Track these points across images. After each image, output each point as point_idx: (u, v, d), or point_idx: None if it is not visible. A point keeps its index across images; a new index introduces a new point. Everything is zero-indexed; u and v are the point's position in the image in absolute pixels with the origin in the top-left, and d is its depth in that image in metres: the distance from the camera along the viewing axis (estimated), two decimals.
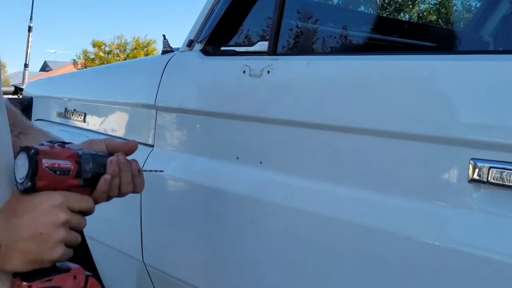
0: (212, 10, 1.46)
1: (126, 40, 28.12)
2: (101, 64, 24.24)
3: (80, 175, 0.81)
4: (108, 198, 0.87)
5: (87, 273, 0.81)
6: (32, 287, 0.74)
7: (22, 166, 0.77)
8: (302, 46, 1.56)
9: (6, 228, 0.72)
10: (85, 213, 0.82)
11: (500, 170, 0.84)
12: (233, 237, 1.25)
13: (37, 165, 0.76)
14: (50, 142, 0.89)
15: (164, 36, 1.69)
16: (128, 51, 27.62)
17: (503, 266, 0.82)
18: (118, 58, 26.84)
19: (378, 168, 1.01)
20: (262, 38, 1.39)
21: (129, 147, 0.92)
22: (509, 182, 0.83)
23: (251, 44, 1.42)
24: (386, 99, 1.01)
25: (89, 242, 1.73)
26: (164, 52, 1.64)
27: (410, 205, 0.95)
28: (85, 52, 27.48)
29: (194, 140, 1.44)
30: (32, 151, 0.77)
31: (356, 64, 1.12)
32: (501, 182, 0.83)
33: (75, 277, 0.79)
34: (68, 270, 0.79)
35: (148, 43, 27.93)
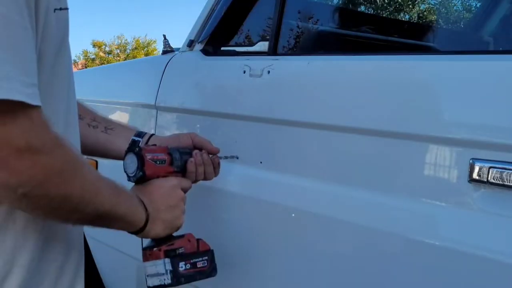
0: (212, 10, 1.46)
1: (126, 40, 28.16)
2: (101, 64, 24.25)
3: (173, 163, 1.02)
4: (196, 180, 1.10)
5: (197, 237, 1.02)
6: (161, 250, 0.93)
7: (131, 163, 0.98)
8: (302, 46, 1.56)
9: (148, 202, 0.88)
10: (185, 191, 1.03)
11: (500, 170, 0.84)
12: (233, 236, 1.25)
13: (143, 159, 0.97)
14: (138, 134, 1.15)
15: (164, 36, 1.70)
16: (128, 51, 27.63)
17: (503, 266, 0.83)
18: (118, 58, 26.86)
19: (378, 168, 1.01)
20: (263, 38, 1.39)
21: (211, 149, 1.15)
22: (509, 182, 0.83)
23: (252, 44, 1.42)
24: (386, 99, 1.01)
25: (89, 242, 1.73)
26: (164, 52, 1.64)
27: (410, 205, 0.95)
28: (85, 52, 27.49)
29: None
30: (137, 149, 0.99)
31: (356, 64, 1.12)
32: (501, 182, 0.84)
33: (189, 240, 1.00)
34: (183, 236, 0.99)
35: (148, 43, 27.95)
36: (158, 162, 0.99)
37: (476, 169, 0.86)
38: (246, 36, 1.51)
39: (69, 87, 0.82)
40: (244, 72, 1.26)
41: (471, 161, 0.87)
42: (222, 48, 1.46)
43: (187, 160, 1.06)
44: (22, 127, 0.64)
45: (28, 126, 0.64)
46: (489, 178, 0.84)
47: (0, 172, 0.63)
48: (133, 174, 0.98)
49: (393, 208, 0.97)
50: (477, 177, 0.86)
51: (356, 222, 1.02)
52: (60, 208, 0.72)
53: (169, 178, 0.99)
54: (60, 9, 0.75)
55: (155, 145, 1.06)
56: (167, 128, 1.52)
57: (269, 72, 1.21)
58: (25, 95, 0.63)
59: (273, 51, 1.29)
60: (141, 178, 0.98)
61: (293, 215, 1.13)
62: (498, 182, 0.84)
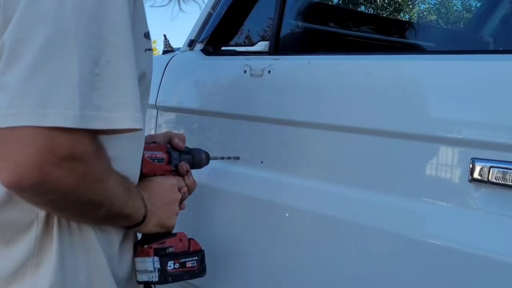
0: (213, 10, 1.46)
1: None
2: None
3: (171, 162, 1.02)
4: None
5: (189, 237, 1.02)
6: (152, 247, 0.93)
7: None
8: (302, 46, 1.56)
9: (147, 198, 0.89)
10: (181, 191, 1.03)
11: (500, 169, 0.84)
12: (233, 236, 1.25)
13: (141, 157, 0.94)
14: None
15: (165, 36, 1.70)
16: None
17: (504, 266, 0.83)
18: None
19: (378, 167, 1.01)
20: (263, 38, 1.39)
21: (182, 136, 1.11)
22: (510, 182, 0.83)
23: (252, 44, 1.42)
24: (386, 99, 1.01)
25: None
26: (165, 52, 1.64)
27: (411, 205, 0.95)
28: None
29: (195, 140, 1.44)
30: None
31: (356, 64, 1.12)
32: (501, 182, 0.84)
33: (180, 240, 0.99)
34: (175, 234, 0.99)
35: None
36: (156, 161, 0.99)
37: (477, 168, 0.86)
38: (247, 36, 1.51)
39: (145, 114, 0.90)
40: (245, 72, 1.26)
41: (471, 160, 0.87)
42: (223, 48, 1.46)
43: (180, 160, 1.06)
44: (71, 136, 0.65)
45: (77, 136, 0.66)
46: (489, 178, 0.84)
47: (33, 177, 0.64)
48: None
49: (393, 207, 0.97)
50: (478, 177, 0.86)
51: (356, 221, 1.02)
52: (78, 210, 0.75)
53: (168, 177, 1.00)
54: (150, 49, 0.84)
55: (154, 142, 1.06)
56: (167, 128, 1.52)
57: (269, 72, 1.21)
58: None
59: (273, 51, 1.29)
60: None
61: (293, 215, 1.13)
62: (498, 181, 0.84)
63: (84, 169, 0.68)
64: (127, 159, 0.84)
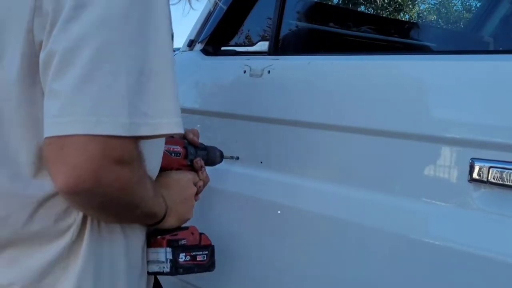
0: (212, 10, 1.46)
1: None
2: None
3: (187, 157, 1.03)
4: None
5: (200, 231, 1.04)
6: (165, 239, 0.95)
7: None
8: (302, 46, 1.56)
9: (167, 195, 0.91)
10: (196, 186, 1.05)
11: (500, 169, 0.84)
12: (232, 236, 1.25)
13: None
14: None
15: None
16: None
17: (504, 265, 0.83)
18: None
19: (378, 168, 1.01)
20: (263, 38, 1.40)
21: (196, 131, 1.11)
22: (509, 182, 0.83)
23: (252, 44, 1.42)
24: (386, 99, 1.01)
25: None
26: None
27: (410, 205, 0.96)
28: None
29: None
30: None
31: (356, 64, 1.12)
32: (501, 182, 0.84)
33: (192, 233, 1.01)
34: (187, 228, 1.00)
35: None
36: (173, 154, 1.00)
37: (476, 168, 0.86)
38: (246, 36, 1.51)
39: None
40: (245, 72, 1.26)
41: (471, 160, 0.87)
42: (222, 48, 1.46)
43: (196, 156, 1.07)
44: (121, 143, 0.69)
45: (126, 142, 0.69)
46: (489, 178, 0.85)
47: (89, 181, 0.67)
48: None
49: (393, 207, 0.98)
50: (477, 177, 0.86)
51: (356, 221, 1.02)
52: (119, 212, 0.78)
53: (184, 172, 1.01)
54: (174, 51, 0.86)
55: (172, 136, 1.05)
56: None
57: (269, 72, 1.21)
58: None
59: (273, 51, 1.29)
60: None
61: (293, 214, 1.13)
62: (498, 181, 0.84)
63: (130, 173, 0.71)
64: (152, 159, 0.86)
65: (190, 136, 1.07)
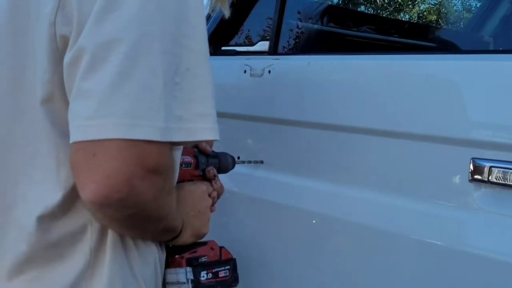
0: (213, 10, 1.46)
1: None
2: None
3: (198, 167, 0.97)
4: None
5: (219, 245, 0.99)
6: (184, 257, 0.89)
7: None
8: (302, 46, 1.56)
9: (181, 209, 0.83)
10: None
11: (501, 169, 0.84)
12: (233, 236, 1.25)
13: None
14: None
15: None
16: None
17: (504, 265, 0.83)
18: None
19: (378, 167, 1.01)
20: (263, 38, 1.40)
21: (203, 147, 1.04)
22: (510, 182, 0.83)
23: (252, 44, 1.42)
24: (386, 99, 1.01)
25: None
26: None
27: (411, 205, 0.95)
28: None
29: None
30: None
31: (356, 64, 1.12)
32: (502, 182, 0.84)
33: (212, 248, 0.95)
34: (206, 243, 0.94)
35: None
36: (184, 165, 0.94)
37: (477, 168, 0.86)
38: (247, 36, 1.51)
39: None
40: (245, 71, 1.26)
41: (472, 160, 0.87)
42: (223, 48, 1.46)
43: (208, 165, 1.01)
44: (157, 149, 0.62)
45: (161, 148, 0.63)
46: (490, 178, 0.85)
47: (123, 191, 0.61)
48: None
49: (393, 207, 0.98)
50: (478, 177, 0.86)
51: (356, 221, 1.02)
52: (145, 225, 0.72)
53: (198, 183, 0.94)
54: None
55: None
56: None
57: (269, 71, 1.21)
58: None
59: (273, 50, 1.29)
60: None
61: (294, 214, 1.13)
62: (499, 181, 0.84)
63: (163, 182, 0.66)
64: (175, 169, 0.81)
65: (203, 145, 0.99)
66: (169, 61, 0.63)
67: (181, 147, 0.82)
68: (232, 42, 1.49)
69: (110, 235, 0.71)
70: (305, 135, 1.14)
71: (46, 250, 0.70)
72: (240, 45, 1.48)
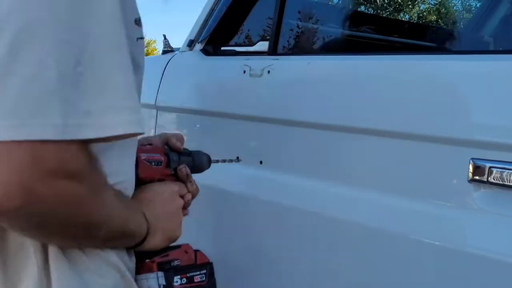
0: (212, 10, 1.46)
1: None
2: None
3: (170, 165, 0.92)
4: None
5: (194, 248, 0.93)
6: (154, 262, 0.83)
7: None
8: (302, 46, 1.56)
9: (149, 212, 0.79)
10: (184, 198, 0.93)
11: (500, 170, 0.84)
12: (232, 236, 1.25)
13: (137, 159, 0.84)
14: None
15: (164, 36, 1.70)
16: None
17: (504, 265, 0.83)
18: None
19: (378, 167, 1.01)
20: (263, 38, 1.40)
21: (180, 136, 1.00)
22: (509, 182, 0.83)
23: (252, 44, 1.42)
24: (386, 99, 1.01)
25: None
26: (164, 52, 1.64)
27: (410, 205, 0.95)
28: None
29: (195, 139, 1.44)
30: None
31: (356, 64, 1.12)
32: (501, 182, 0.84)
33: (186, 252, 0.90)
34: (179, 246, 0.89)
35: (148, 43, 27.97)
36: (153, 163, 0.89)
37: (477, 169, 0.86)
38: (246, 36, 1.51)
39: None
40: (244, 72, 1.26)
41: (471, 160, 0.87)
42: (222, 48, 1.47)
43: (180, 163, 0.95)
44: (56, 149, 0.56)
45: (64, 148, 0.57)
46: (489, 178, 0.85)
47: (17, 198, 0.55)
48: None
49: (393, 207, 0.98)
50: (477, 177, 0.86)
51: (356, 221, 1.02)
52: (75, 235, 0.66)
53: (169, 184, 0.89)
54: (142, 38, 0.73)
55: (150, 144, 0.96)
56: (167, 128, 1.52)
57: (269, 72, 1.21)
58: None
59: (273, 51, 1.29)
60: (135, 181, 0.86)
61: (293, 215, 1.13)
62: (498, 182, 0.84)
63: (77, 186, 0.59)
64: (123, 168, 0.74)
65: (173, 141, 0.94)
66: (66, 49, 0.56)
67: (128, 144, 0.74)
68: (232, 42, 1.49)
69: (51, 249, 0.66)
70: (305, 135, 1.14)
71: (5, 281, 0.66)
72: (240, 45, 1.48)
